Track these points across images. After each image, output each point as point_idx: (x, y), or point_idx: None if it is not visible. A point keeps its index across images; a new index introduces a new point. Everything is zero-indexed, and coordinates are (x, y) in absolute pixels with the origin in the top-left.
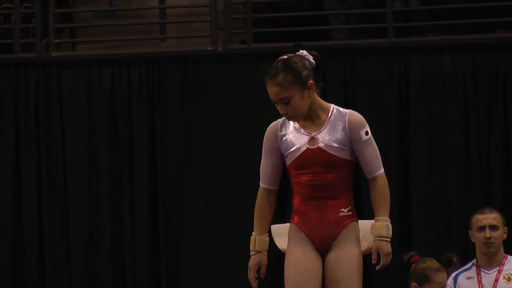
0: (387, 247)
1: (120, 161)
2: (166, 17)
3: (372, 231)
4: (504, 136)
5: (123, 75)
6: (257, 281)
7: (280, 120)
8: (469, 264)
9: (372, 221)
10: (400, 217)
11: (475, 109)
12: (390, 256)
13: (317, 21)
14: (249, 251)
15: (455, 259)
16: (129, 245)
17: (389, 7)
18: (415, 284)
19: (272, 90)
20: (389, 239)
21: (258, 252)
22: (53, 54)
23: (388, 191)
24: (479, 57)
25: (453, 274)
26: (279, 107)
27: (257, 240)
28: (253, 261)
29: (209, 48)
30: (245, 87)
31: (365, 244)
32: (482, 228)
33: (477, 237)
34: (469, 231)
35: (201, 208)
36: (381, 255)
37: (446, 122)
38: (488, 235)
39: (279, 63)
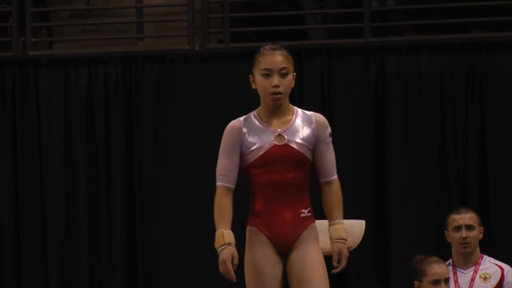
0: (346, 250)
1: (97, 160)
2: (143, 16)
3: (333, 233)
4: (480, 135)
5: (100, 74)
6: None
7: (241, 118)
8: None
9: (348, 221)
10: (376, 216)
11: (452, 109)
12: (346, 260)
13: (294, 20)
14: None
15: None
16: (106, 244)
17: (366, 6)
18: (416, 282)
19: (276, 58)
20: (347, 242)
21: (228, 244)
22: (30, 53)
23: (342, 198)
24: (455, 57)
25: None
26: (274, 79)
27: (225, 234)
28: (226, 253)
29: (186, 48)
30: (222, 87)
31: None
32: (458, 228)
33: (453, 237)
34: (445, 231)
35: (178, 206)
36: (342, 257)
37: (422, 122)
38: (464, 235)
39: (278, 45)
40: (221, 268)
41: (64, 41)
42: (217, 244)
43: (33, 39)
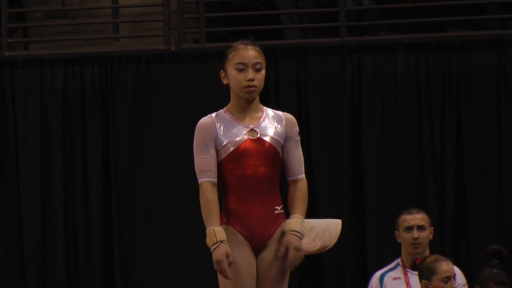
0: (296, 242)
1: (73, 161)
2: (119, 16)
3: (286, 226)
4: (457, 135)
5: (76, 74)
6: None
7: (212, 114)
8: (394, 264)
9: (324, 220)
10: (353, 215)
11: (428, 108)
12: (301, 253)
13: (270, 20)
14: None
15: (495, 261)
16: (83, 245)
17: (341, 6)
18: (424, 281)
19: (251, 53)
20: (301, 235)
21: (221, 242)
22: (6, 54)
23: (307, 195)
24: (431, 56)
25: (378, 274)
26: (249, 73)
27: (216, 232)
28: (220, 252)
29: (162, 48)
30: (198, 87)
31: (318, 243)
32: (409, 229)
33: (404, 237)
34: (395, 231)
35: (154, 206)
36: (289, 249)
37: (398, 121)
38: (416, 235)
39: (250, 40)
40: (216, 267)
41: (40, 41)
42: (209, 242)
43: (9, 40)
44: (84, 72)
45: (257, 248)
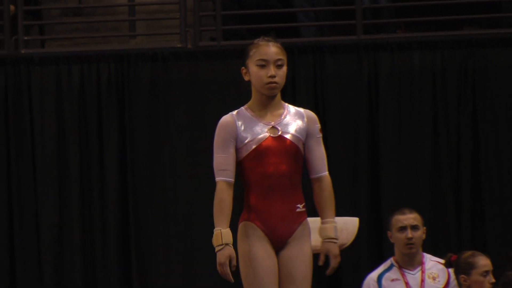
0: (335, 249)
1: (89, 158)
2: (135, 14)
3: (321, 233)
4: (473, 132)
5: (92, 72)
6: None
7: (233, 112)
8: (387, 264)
9: (341, 218)
10: (370, 213)
11: (444, 106)
12: (339, 258)
13: (286, 18)
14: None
15: None
16: (100, 243)
17: (358, 4)
18: (463, 276)
19: (272, 50)
20: (337, 241)
21: (226, 245)
22: (22, 51)
23: (333, 192)
24: (447, 54)
25: (375, 275)
26: (270, 69)
27: (223, 233)
28: (224, 254)
29: (179, 45)
30: (214, 84)
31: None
32: (403, 229)
33: (398, 237)
34: (388, 232)
35: (171, 204)
36: (330, 257)
37: (415, 119)
38: (410, 235)
39: (272, 37)
40: (219, 269)
41: (56, 39)
42: (215, 243)
43: (25, 37)
44: (101, 70)
45: (277, 245)
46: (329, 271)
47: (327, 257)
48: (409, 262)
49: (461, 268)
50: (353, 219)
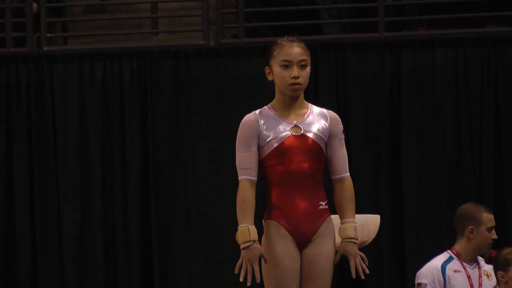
0: (354, 249)
1: (111, 156)
2: (158, 11)
3: (340, 233)
4: (495, 130)
5: (114, 69)
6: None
7: (256, 111)
8: (447, 256)
9: (363, 215)
10: (391, 211)
11: (467, 104)
12: (359, 257)
13: (309, 15)
14: (238, 244)
15: None
16: (122, 242)
17: (380, 1)
18: (501, 272)
19: (296, 50)
20: (357, 241)
21: (254, 241)
22: (45, 49)
23: (354, 194)
24: (470, 52)
25: (438, 264)
26: (294, 70)
27: (250, 230)
28: (253, 251)
29: (201, 43)
30: (236, 82)
31: None
32: (492, 228)
33: (485, 235)
34: (470, 226)
35: (193, 202)
36: (349, 258)
37: (437, 116)
38: (495, 236)
39: (295, 37)
40: (245, 265)
41: (79, 36)
42: (241, 239)
43: (48, 35)
44: (123, 67)
45: (301, 243)
46: (352, 271)
47: (343, 257)
48: (472, 258)
49: (499, 264)
50: (375, 217)
